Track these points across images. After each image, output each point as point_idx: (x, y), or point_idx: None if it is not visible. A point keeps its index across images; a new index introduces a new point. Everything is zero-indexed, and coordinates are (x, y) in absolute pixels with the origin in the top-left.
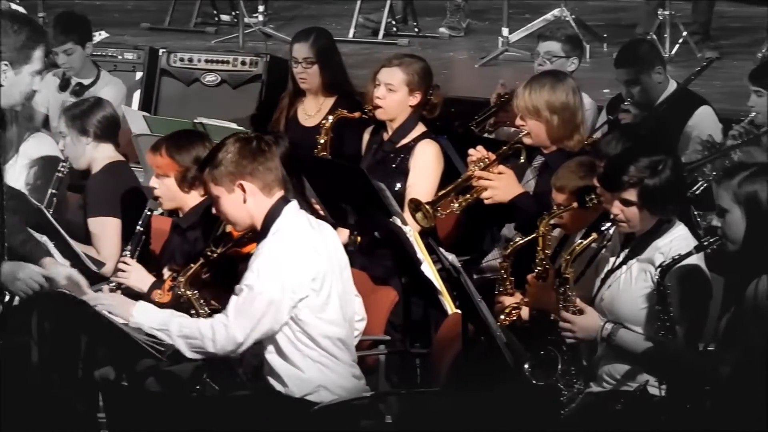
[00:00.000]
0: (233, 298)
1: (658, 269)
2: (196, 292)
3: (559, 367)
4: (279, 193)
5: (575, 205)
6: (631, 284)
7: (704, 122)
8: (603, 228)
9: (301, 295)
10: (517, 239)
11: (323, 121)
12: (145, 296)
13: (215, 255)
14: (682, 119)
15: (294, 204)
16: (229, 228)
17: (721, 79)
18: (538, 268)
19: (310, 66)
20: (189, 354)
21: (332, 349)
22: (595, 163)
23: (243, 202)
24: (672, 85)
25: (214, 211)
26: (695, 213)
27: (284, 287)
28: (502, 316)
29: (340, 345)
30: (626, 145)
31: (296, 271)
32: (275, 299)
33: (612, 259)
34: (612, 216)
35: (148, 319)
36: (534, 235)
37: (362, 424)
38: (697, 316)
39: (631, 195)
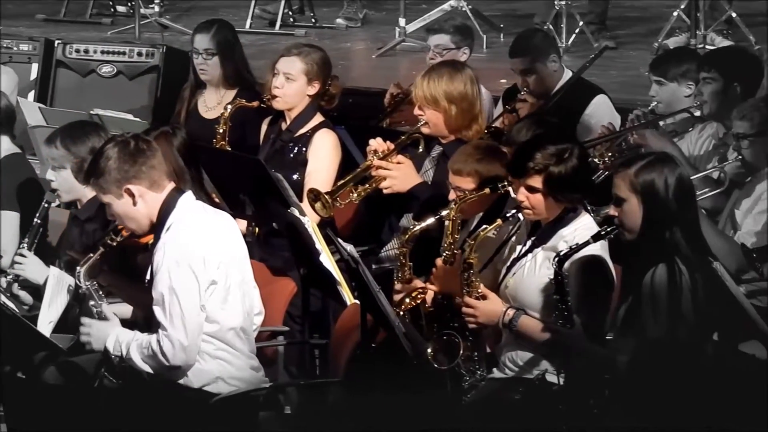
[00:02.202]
0: (157, 309)
1: (555, 258)
2: (95, 282)
3: (461, 352)
4: (170, 186)
5: (487, 191)
6: (535, 272)
7: (601, 111)
8: (508, 215)
9: (209, 280)
10: (415, 225)
11: (223, 112)
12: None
13: (114, 245)
14: (579, 108)
15: (189, 194)
16: None
17: (618, 69)
18: (446, 252)
19: (210, 57)
20: (153, 371)
21: (233, 340)
22: (491, 146)
23: (133, 205)
24: (567, 75)
25: (109, 216)
26: (588, 208)
27: (197, 278)
28: (407, 300)
29: (242, 335)
30: (536, 133)
31: (202, 260)
32: (194, 291)
33: (519, 247)
34: (518, 203)
35: (114, 346)
36: (432, 220)
37: (261, 415)
38: (597, 305)
39: (537, 182)
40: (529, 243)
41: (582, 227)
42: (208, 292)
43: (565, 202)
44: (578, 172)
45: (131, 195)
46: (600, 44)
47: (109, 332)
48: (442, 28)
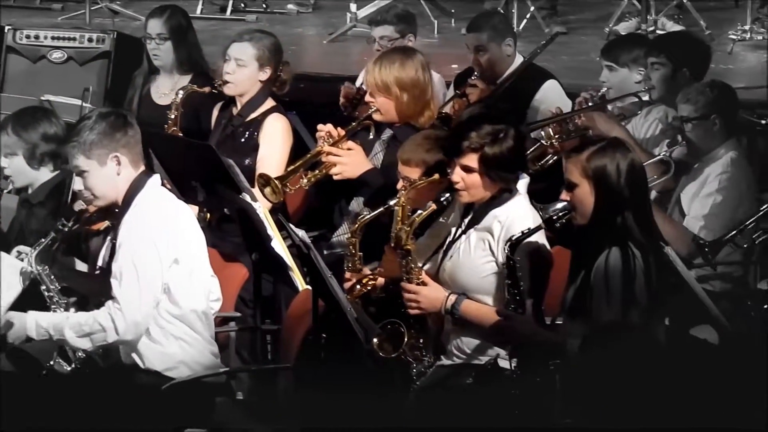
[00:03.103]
0: (114, 283)
1: (507, 243)
2: (46, 267)
3: (406, 340)
4: (142, 167)
5: (437, 177)
6: (470, 254)
7: (551, 96)
8: (442, 198)
9: (173, 258)
10: (365, 214)
11: (174, 97)
12: None
13: (66, 230)
14: (529, 94)
15: (157, 177)
16: (78, 205)
17: (569, 54)
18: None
19: (163, 42)
20: (93, 348)
21: (195, 324)
22: (441, 136)
23: (117, 174)
24: (519, 60)
25: (75, 187)
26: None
27: (159, 254)
28: (358, 286)
29: (203, 319)
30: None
31: (166, 237)
32: (152, 268)
33: (453, 230)
34: (453, 184)
35: (37, 330)
36: (381, 209)
37: (216, 400)
38: (540, 288)
39: (472, 161)
40: (463, 225)
41: (517, 207)
42: (171, 270)
43: (500, 182)
44: (513, 152)
45: (118, 163)
46: (551, 29)
47: (26, 321)
48: (385, 19)
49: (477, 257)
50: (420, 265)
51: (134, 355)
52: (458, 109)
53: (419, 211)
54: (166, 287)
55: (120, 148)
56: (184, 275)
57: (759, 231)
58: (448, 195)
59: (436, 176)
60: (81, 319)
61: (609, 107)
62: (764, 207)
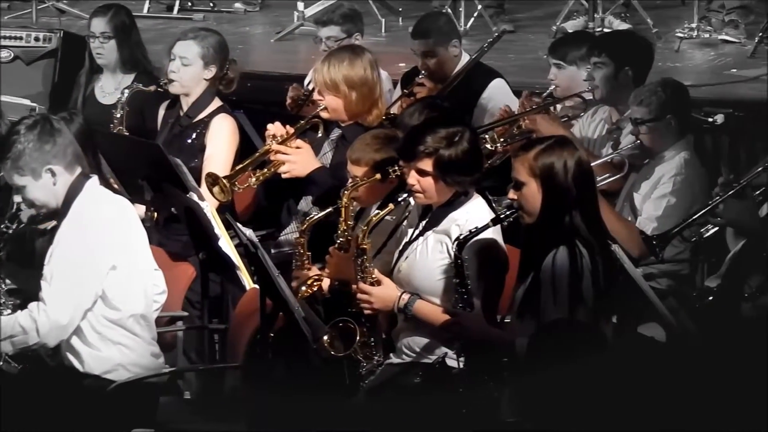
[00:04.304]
0: (44, 284)
1: (455, 242)
2: None
3: (357, 339)
4: (78, 170)
5: (378, 176)
6: (427, 256)
7: (498, 94)
8: (399, 199)
9: (110, 265)
10: (313, 214)
11: (120, 96)
12: None
13: (10, 232)
14: (476, 92)
15: (95, 179)
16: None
17: (516, 52)
18: (340, 239)
19: (106, 41)
20: (14, 351)
21: (134, 327)
22: (390, 135)
23: (53, 184)
24: (466, 59)
25: (17, 199)
26: (490, 198)
27: (95, 260)
28: (304, 288)
29: (142, 322)
30: (428, 117)
31: (102, 242)
32: (86, 273)
33: (410, 231)
34: (408, 186)
35: None
36: (329, 209)
37: (160, 401)
38: (493, 287)
39: (427, 165)
40: (420, 226)
41: (474, 210)
42: (108, 276)
43: (456, 185)
44: (468, 155)
45: (53, 174)
46: (498, 27)
47: None
48: (331, 19)
49: (434, 259)
50: (373, 264)
51: (72, 359)
52: (405, 107)
53: (377, 210)
54: (101, 293)
55: (51, 159)
56: (122, 280)
57: (707, 225)
58: (405, 195)
59: (377, 176)
60: (2, 322)
61: (553, 108)
62: (712, 201)
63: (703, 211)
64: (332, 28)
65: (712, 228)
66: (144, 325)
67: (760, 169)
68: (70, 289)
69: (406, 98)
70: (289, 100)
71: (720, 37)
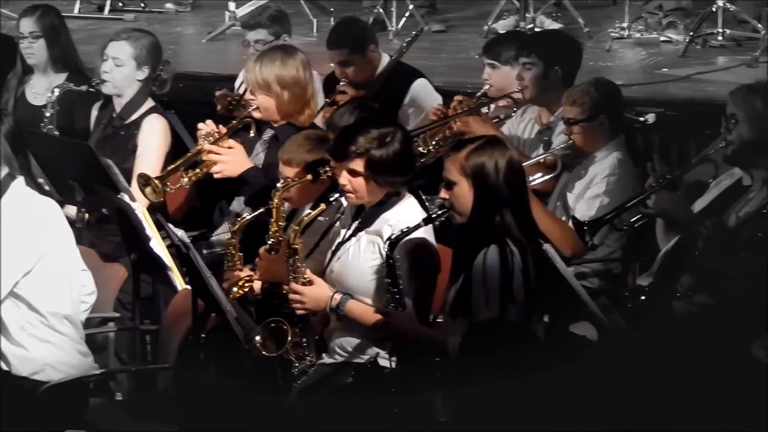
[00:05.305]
0: None
1: (387, 242)
2: None
3: (289, 339)
4: (4, 171)
5: (309, 177)
6: (359, 256)
7: (421, 94)
8: (331, 199)
9: (25, 270)
10: (245, 214)
11: (50, 95)
12: None
13: None
14: (400, 93)
15: (20, 180)
16: None
17: (449, 52)
18: (271, 240)
19: (35, 41)
20: None
21: (59, 327)
22: (321, 136)
23: None
24: (386, 60)
25: None
26: (423, 197)
27: (16, 260)
28: (235, 289)
29: (67, 323)
30: (359, 117)
31: (19, 246)
32: (6, 272)
33: (343, 231)
34: (340, 187)
35: None
36: (261, 210)
37: (91, 402)
38: (425, 287)
39: (358, 165)
40: (353, 227)
41: (406, 210)
42: (32, 277)
43: (387, 185)
44: (400, 155)
45: None
46: (430, 27)
47: None
48: (258, 22)
49: (366, 260)
50: (305, 264)
51: None
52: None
53: (308, 211)
54: (22, 294)
55: None
56: (47, 280)
57: (638, 215)
58: (337, 195)
59: (309, 177)
60: None
61: (484, 109)
62: (645, 193)
63: (636, 200)
64: (259, 31)
65: (643, 219)
66: (69, 325)
67: (694, 162)
68: None
69: (329, 107)
70: (218, 107)
71: (661, 38)
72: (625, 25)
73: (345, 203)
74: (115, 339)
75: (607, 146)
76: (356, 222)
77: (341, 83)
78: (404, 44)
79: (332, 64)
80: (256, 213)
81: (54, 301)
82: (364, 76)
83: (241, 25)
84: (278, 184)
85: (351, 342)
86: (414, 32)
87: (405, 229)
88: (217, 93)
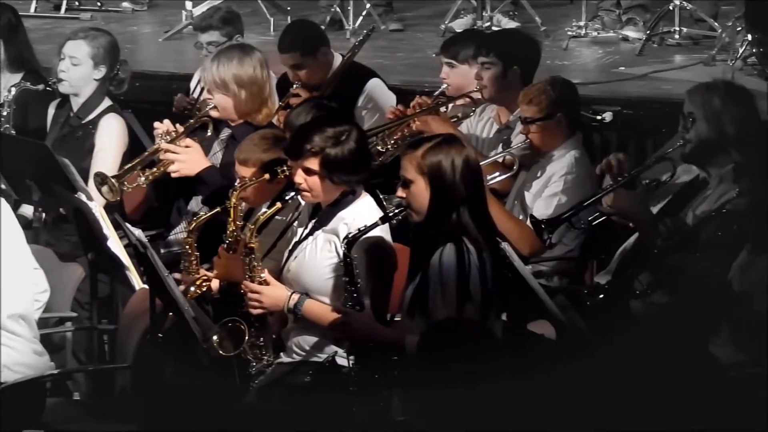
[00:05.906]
0: None
1: (344, 241)
2: None
3: (247, 338)
4: None
5: (267, 176)
6: (316, 255)
7: (375, 95)
8: (287, 197)
9: None
10: (201, 214)
11: (6, 94)
12: None
13: None
14: (354, 93)
15: None
16: None
17: (406, 51)
18: (229, 239)
19: None
20: None
21: (13, 327)
22: (278, 135)
23: None
24: (338, 60)
25: None
26: (381, 197)
27: None
28: (192, 288)
29: (22, 322)
30: (315, 116)
31: None
32: None
33: (300, 231)
34: (296, 185)
35: None
36: (217, 209)
37: (48, 402)
38: (382, 286)
39: (314, 164)
40: (309, 226)
41: (362, 209)
42: None
43: (343, 184)
44: (355, 154)
45: None
46: (387, 26)
47: None
48: (210, 24)
49: (323, 259)
50: (262, 264)
51: None
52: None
53: (264, 209)
54: None
55: None
56: None
57: (596, 214)
58: (293, 194)
59: (266, 176)
60: None
61: (442, 109)
62: (605, 192)
63: (594, 198)
64: (212, 33)
65: (600, 217)
66: (23, 324)
67: (652, 161)
68: None
69: (283, 111)
70: (175, 108)
71: (621, 35)
72: (582, 23)
73: (302, 202)
74: (72, 339)
75: (565, 145)
76: (313, 221)
77: (294, 86)
78: (356, 43)
79: (283, 65)
80: (213, 212)
81: (6, 301)
82: (318, 78)
83: (193, 28)
84: (236, 183)
85: (308, 341)
86: (365, 31)
87: (362, 228)
88: (177, 97)
